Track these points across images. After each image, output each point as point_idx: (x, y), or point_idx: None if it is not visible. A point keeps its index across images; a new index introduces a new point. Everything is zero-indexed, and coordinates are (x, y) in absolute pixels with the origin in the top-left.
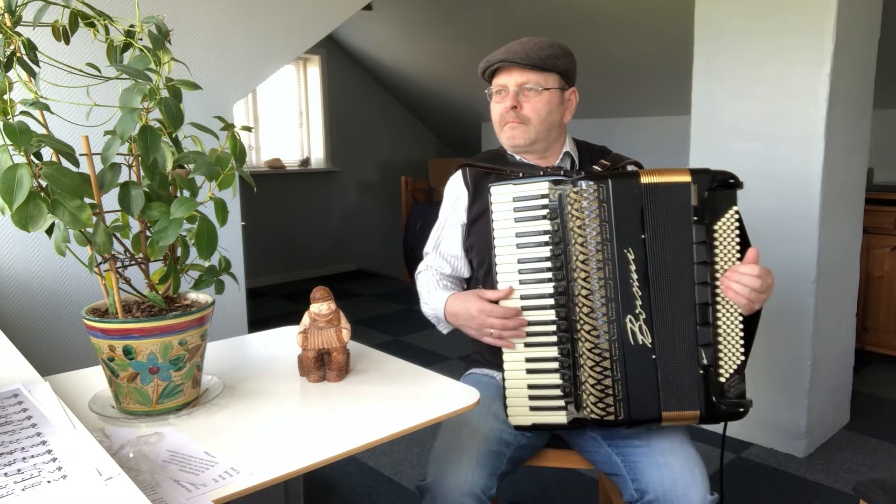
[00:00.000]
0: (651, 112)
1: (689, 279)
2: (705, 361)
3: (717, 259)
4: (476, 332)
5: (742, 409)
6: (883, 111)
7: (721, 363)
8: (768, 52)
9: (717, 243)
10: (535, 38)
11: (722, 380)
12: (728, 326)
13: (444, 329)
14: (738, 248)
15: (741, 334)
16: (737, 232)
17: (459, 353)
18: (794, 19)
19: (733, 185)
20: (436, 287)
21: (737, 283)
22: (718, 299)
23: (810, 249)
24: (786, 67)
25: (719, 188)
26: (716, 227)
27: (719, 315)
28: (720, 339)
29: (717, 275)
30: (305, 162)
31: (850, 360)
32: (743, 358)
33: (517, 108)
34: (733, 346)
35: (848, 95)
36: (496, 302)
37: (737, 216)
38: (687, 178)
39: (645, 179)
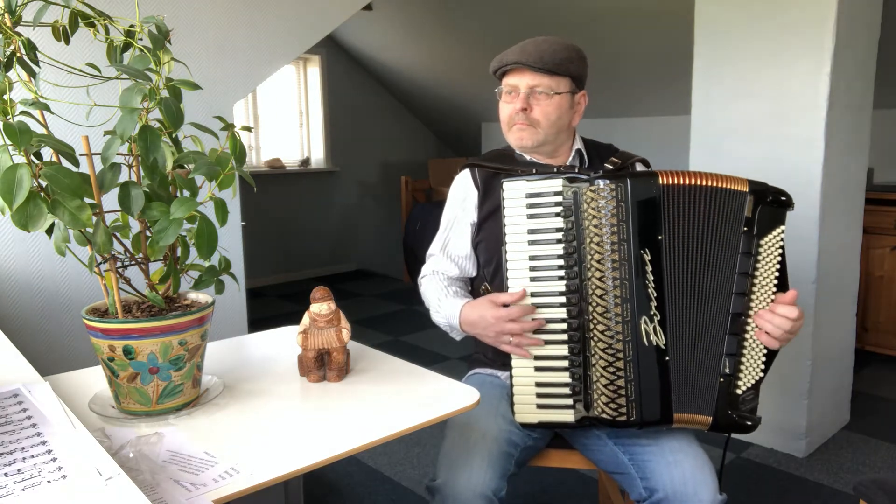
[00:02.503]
0: (651, 112)
1: (722, 286)
2: (727, 371)
3: (757, 273)
4: (493, 339)
5: (750, 424)
6: (883, 111)
7: (741, 375)
8: (768, 53)
9: (760, 258)
10: (550, 39)
11: (738, 392)
12: (755, 341)
13: (457, 336)
14: (777, 266)
15: (765, 351)
16: (780, 251)
17: (459, 353)
18: (794, 19)
19: (785, 203)
20: (446, 294)
21: (769, 323)
22: (751, 313)
23: (810, 249)
24: (786, 67)
25: (772, 204)
26: (762, 242)
27: (748, 329)
28: (745, 351)
29: (755, 288)
30: (305, 162)
31: (850, 360)
32: (762, 374)
33: (527, 110)
34: (756, 362)
35: (848, 95)
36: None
37: (782, 234)
38: (745, 188)
39: (664, 180)
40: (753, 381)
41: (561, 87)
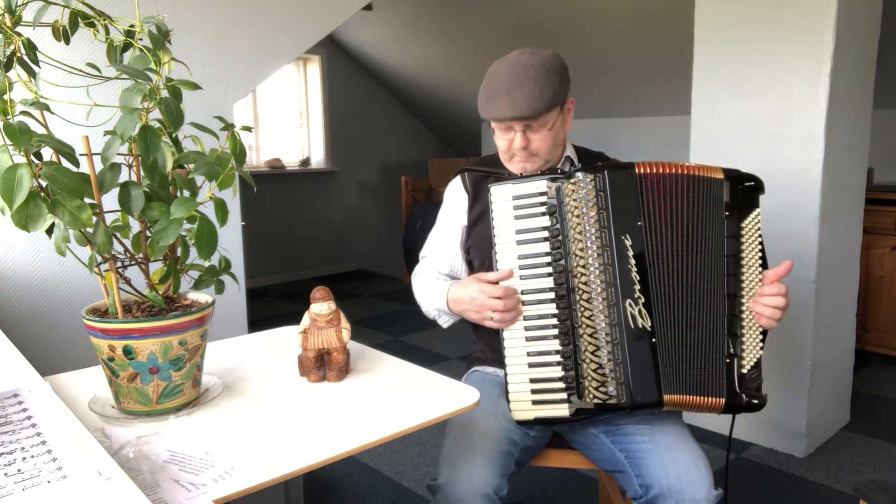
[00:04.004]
0: (651, 112)
1: (711, 269)
2: (731, 350)
3: (744, 255)
4: (477, 315)
5: (758, 402)
6: (883, 111)
7: (744, 354)
8: (768, 52)
9: (743, 239)
10: (531, 72)
11: (744, 371)
12: (751, 320)
13: (445, 322)
14: (760, 247)
15: (761, 328)
16: (759, 232)
17: (459, 353)
18: (794, 19)
19: (756, 187)
20: (436, 279)
21: (766, 306)
22: (743, 293)
23: (810, 249)
24: (786, 67)
25: (746, 189)
26: (743, 225)
27: (744, 309)
28: (744, 331)
29: (743, 269)
30: (305, 162)
31: (850, 360)
32: (761, 352)
33: (527, 146)
34: (755, 340)
35: (848, 95)
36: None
37: (759, 217)
38: (720, 175)
39: (640, 170)
40: (756, 360)
41: (552, 116)
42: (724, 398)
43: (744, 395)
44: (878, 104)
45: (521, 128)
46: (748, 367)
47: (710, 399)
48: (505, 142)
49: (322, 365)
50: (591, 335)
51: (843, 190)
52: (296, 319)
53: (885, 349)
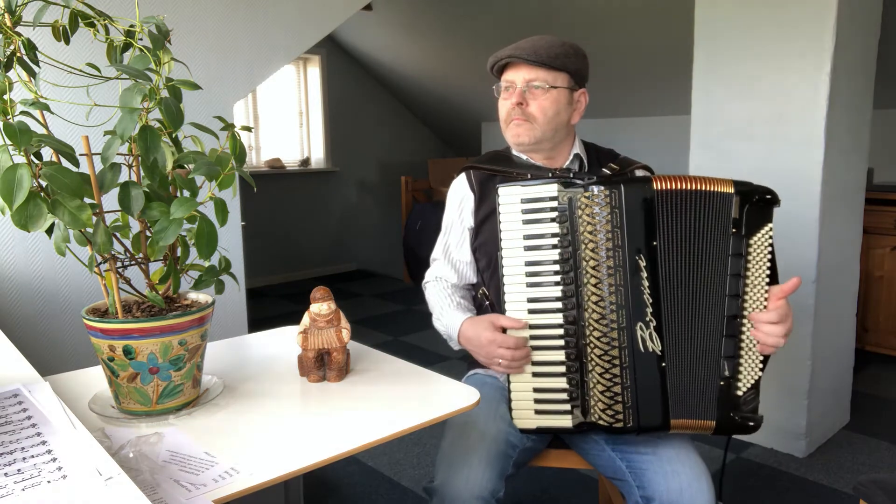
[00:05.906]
0: (651, 112)
1: (715, 289)
2: (727, 373)
3: (749, 274)
4: (485, 359)
5: (753, 424)
6: (883, 111)
7: (740, 377)
8: (768, 52)
9: (750, 257)
10: (547, 37)
11: (739, 393)
12: (751, 341)
13: (454, 346)
14: (768, 264)
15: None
16: (770, 248)
17: (459, 353)
18: (794, 19)
19: (771, 201)
20: (449, 304)
21: (766, 334)
22: (745, 313)
23: (810, 250)
24: (786, 67)
25: (759, 203)
26: (751, 242)
27: (744, 329)
28: (742, 353)
29: (747, 289)
30: (305, 162)
31: (850, 360)
32: (761, 373)
33: (523, 105)
34: (753, 361)
35: (848, 95)
36: (506, 331)
37: (771, 232)
38: (730, 189)
39: (658, 186)
40: (753, 381)
41: (558, 82)
42: (713, 420)
43: (737, 418)
44: (878, 104)
45: (522, 84)
46: (744, 389)
47: (700, 421)
48: (506, 104)
49: (322, 365)
50: (599, 356)
51: (843, 190)
52: (296, 319)
53: (885, 349)
